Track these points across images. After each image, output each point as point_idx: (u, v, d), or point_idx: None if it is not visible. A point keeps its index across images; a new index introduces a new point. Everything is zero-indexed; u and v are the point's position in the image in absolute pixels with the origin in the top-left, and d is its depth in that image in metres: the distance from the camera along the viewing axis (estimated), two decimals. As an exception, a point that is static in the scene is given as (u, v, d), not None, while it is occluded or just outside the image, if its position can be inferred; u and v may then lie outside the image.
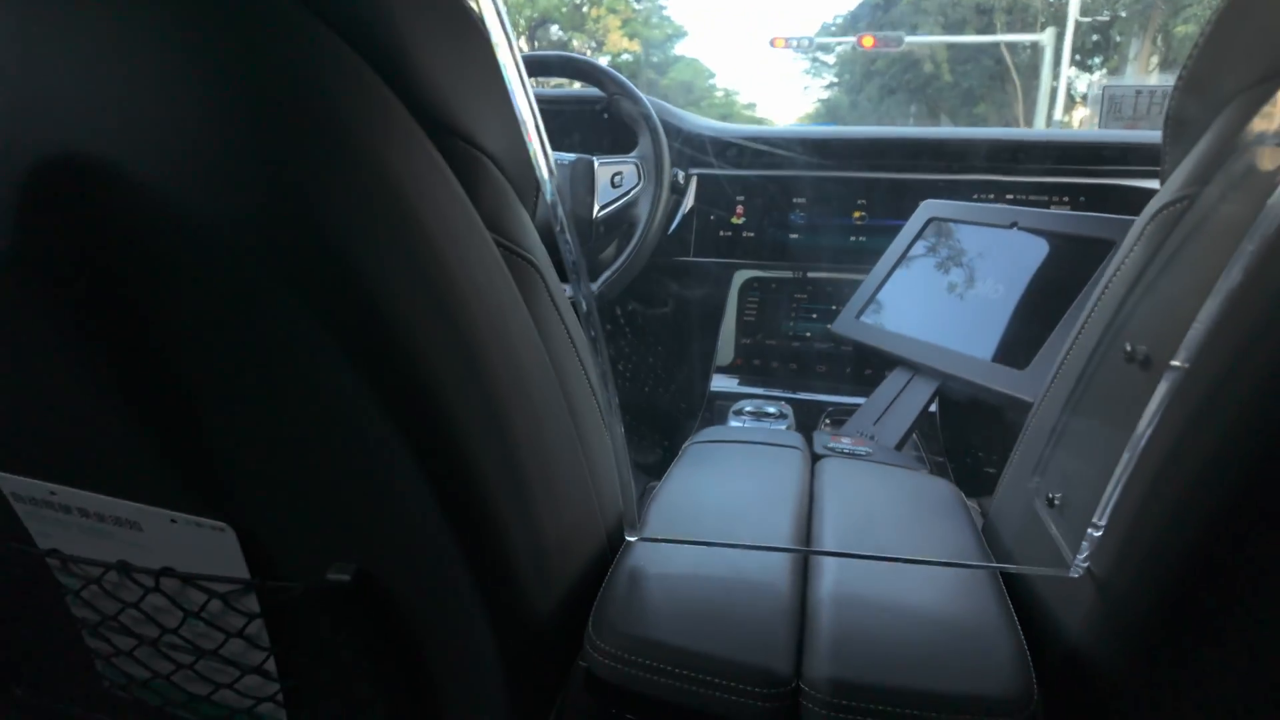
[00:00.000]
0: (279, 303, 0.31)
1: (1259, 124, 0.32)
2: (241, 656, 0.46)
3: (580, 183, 0.94)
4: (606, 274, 1.01)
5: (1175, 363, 0.32)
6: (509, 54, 0.34)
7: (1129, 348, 0.36)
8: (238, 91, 0.28)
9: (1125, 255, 0.41)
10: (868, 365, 1.06)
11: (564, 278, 0.45)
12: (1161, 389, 0.32)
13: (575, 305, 0.42)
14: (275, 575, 0.42)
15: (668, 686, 0.38)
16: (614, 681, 0.39)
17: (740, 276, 1.15)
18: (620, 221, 1.02)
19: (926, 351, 0.79)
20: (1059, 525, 0.41)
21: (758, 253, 1.10)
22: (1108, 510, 0.37)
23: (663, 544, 0.46)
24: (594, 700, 0.40)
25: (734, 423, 0.95)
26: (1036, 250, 0.78)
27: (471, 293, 0.34)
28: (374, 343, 0.32)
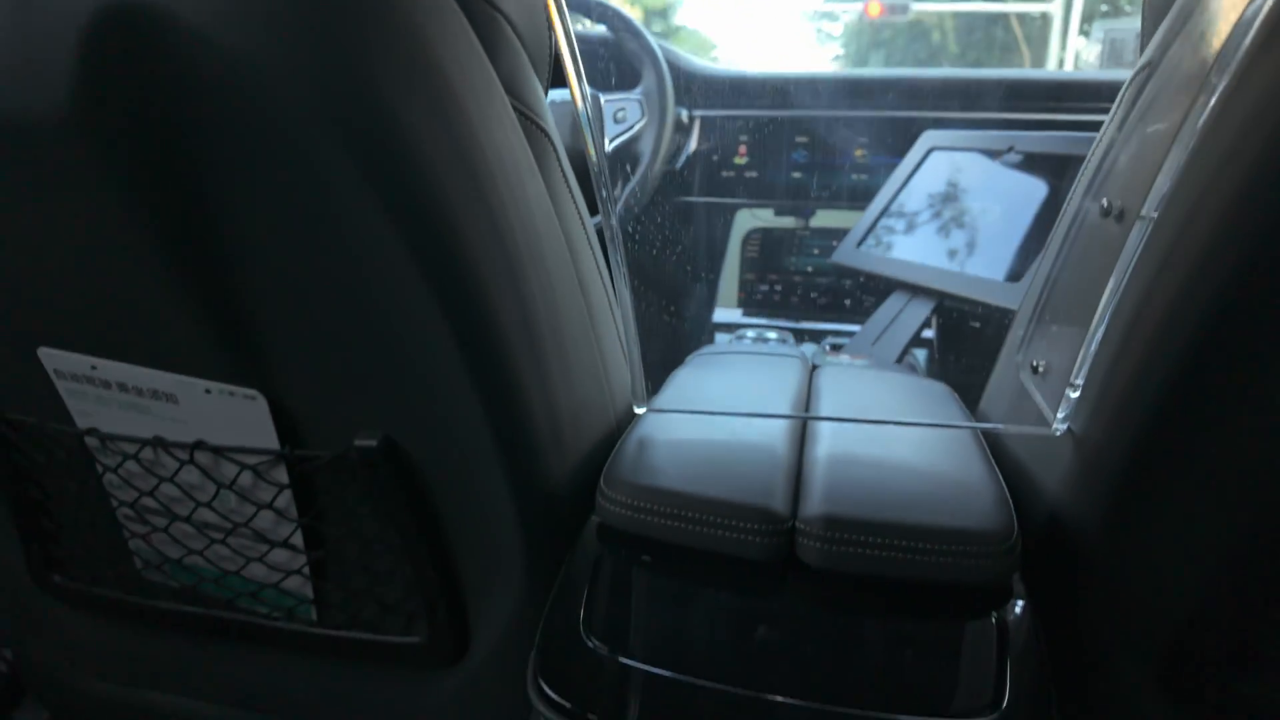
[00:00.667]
0: (318, 149, 0.33)
1: None
2: (270, 530, 0.48)
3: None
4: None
5: (1144, 213, 0.34)
6: None
7: (1105, 203, 0.38)
8: None
9: (1109, 122, 0.43)
10: (869, 296, 1.08)
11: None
12: (1132, 239, 0.34)
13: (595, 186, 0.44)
14: (303, 446, 0.44)
15: (675, 529, 0.40)
16: (624, 528, 0.42)
17: (744, 221, 1.17)
18: (623, 157, 1.03)
19: (923, 273, 0.81)
20: (1042, 390, 0.43)
21: (760, 192, 1.11)
22: (1084, 368, 0.39)
23: (669, 415, 0.49)
24: (605, 548, 0.43)
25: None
26: (1033, 171, 0.80)
27: (491, 150, 0.36)
28: (404, 188, 0.33)
